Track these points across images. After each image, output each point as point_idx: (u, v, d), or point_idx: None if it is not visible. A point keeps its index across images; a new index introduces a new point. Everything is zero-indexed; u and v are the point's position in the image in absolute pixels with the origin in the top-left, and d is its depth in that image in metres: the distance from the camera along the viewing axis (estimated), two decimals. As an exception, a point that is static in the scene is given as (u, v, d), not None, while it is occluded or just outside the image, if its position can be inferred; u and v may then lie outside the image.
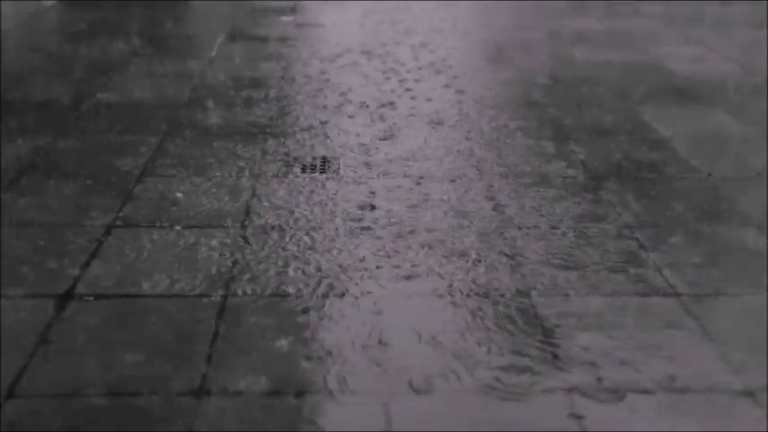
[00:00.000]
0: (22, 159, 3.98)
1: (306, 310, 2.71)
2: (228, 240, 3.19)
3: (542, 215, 3.43)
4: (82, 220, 3.36)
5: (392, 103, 4.87)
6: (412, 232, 3.26)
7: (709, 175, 3.88)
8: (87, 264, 3.01)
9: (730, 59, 5.99)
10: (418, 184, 3.73)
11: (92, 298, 2.78)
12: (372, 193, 3.63)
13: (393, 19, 7.30)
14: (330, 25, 7.06)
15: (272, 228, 3.29)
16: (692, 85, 5.36)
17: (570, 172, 3.89)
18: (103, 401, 2.27)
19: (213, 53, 6.05)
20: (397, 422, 2.20)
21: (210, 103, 4.87)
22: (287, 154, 4.08)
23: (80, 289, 2.84)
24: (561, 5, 7.91)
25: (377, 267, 2.99)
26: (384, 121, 4.57)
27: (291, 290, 2.84)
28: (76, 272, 2.95)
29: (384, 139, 4.28)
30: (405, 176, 3.81)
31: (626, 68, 5.73)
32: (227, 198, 3.57)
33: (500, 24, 7.12)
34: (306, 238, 3.21)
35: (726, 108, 4.88)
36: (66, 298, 2.78)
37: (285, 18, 7.36)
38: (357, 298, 2.79)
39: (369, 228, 3.30)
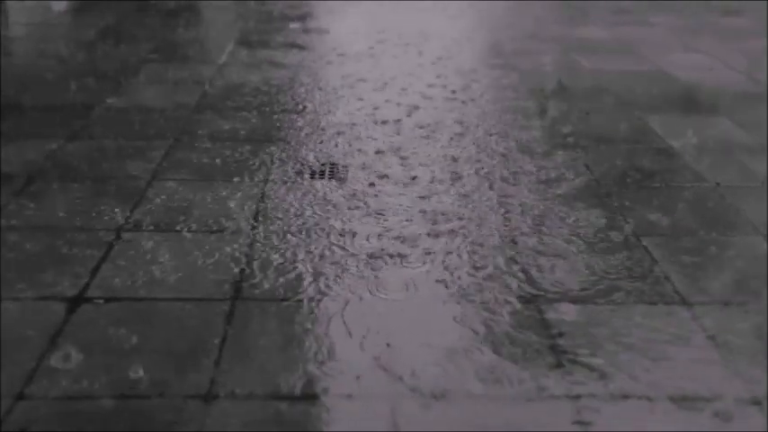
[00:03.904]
0: (33, 163, 4.01)
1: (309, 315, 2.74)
2: (238, 244, 3.21)
3: (549, 223, 3.45)
4: (92, 223, 3.38)
5: (399, 103, 4.91)
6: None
7: (718, 184, 3.89)
8: (98, 267, 3.03)
9: (735, 69, 6.00)
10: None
11: (102, 301, 2.81)
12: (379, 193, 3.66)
13: (398, 21, 7.33)
14: (339, 32, 7.09)
15: (283, 232, 3.31)
16: (697, 93, 5.36)
17: (577, 180, 3.90)
18: (113, 404, 2.29)
19: (223, 59, 6.08)
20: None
21: (219, 109, 4.90)
22: (296, 159, 4.10)
23: (91, 292, 2.86)
24: (566, 14, 7.93)
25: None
26: (397, 130, 4.59)
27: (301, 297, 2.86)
28: (87, 275, 2.97)
29: (397, 149, 4.30)
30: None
31: (632, 77, 5.74)
32: (236, 202, 3.59)
33: (503, 31, 7.14)
34: (302, 241, 3.24)
35: (731, 117, 4.88)
36: (76, 301, 2.80)
37: (294, 25, 7.40)
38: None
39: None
